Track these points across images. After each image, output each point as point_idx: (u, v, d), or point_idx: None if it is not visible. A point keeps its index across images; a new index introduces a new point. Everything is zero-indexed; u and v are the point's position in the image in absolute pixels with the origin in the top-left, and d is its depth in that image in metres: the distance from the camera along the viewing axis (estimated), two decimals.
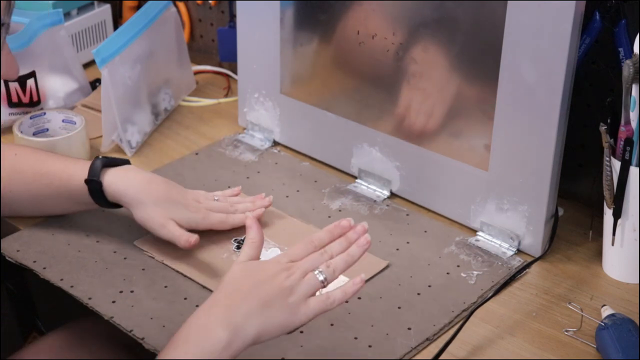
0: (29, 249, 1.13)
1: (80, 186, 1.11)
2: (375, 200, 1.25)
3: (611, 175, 1.06)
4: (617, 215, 1.07)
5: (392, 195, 1.26)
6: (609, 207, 1.08)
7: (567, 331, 1.02)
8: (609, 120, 1.05)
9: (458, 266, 1.12)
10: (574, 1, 1.00)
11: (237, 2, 1.36)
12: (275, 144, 1.39)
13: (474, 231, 1.19)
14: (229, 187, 1.27)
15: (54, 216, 1.19)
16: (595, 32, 1.10)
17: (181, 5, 1.61)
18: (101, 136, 1.36)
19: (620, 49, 1.08)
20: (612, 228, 1.08)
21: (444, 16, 1.14)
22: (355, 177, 1.30)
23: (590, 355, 0.99)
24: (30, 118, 1.35)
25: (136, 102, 1.39)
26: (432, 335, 1.01)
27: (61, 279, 1.08)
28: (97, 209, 1.14)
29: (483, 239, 1.17)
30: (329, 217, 1.22)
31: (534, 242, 1.13)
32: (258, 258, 0.95)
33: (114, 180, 1.10)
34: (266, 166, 1.34)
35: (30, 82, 1.40)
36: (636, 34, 1.02)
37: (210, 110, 1.51)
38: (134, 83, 1.37)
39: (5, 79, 1.09)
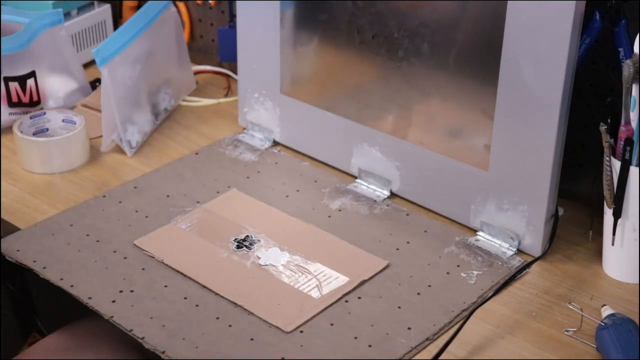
0: (29, 249, 1.13)
1: None
2: (375, 200, 1.25)
3: (611, 175, 1.06)
4: (617, 215, 1.07)
5: (392, 195, 1.26)
6: (609, 207, 1.08)
7: (567, 331, 1.02)
8: (609, 120, 1.05)
9: (458, 266, 1.12)
10: (574, 1, 1.00)
11: (237, 2, 1.35)
12: (275, 143, 1.39)
13: (474, 231, 1.19)
14: (229, 187, 1.27)
15: (53, 216, 1.19)
16: (595, 32, 1.10)
17: (181, 5, 1.61)
18: (101, 136, 1.36)
19: (620, 49, 1.09)
20: (612, 228, 1.08)
21: (444, 16, 1.14)
22: (355, 177, 1.30)
23: (590, 355, 0.99)
24: (30, 118, 1.35)
25: (136, 102, 1.39)
26: (432, 335, 1.01)
27: (61, 279, 1.08)
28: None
29: (483, 238, 1.17)
30: (329, 217, 1.22)
31: (534, 242, 1.13)
32: None
33: None
34: (266, 166, 1.34)
35: (30, 82, 1.40)
36: (636, 34, 1.02)
37: (210, 110, 1.51)
38: (134, 83, 1.37)
39: None
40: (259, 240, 1.15)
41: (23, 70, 1.39)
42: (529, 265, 1.12)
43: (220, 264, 1.11)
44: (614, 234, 1.08)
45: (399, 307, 1.05)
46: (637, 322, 0.99)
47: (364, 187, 1.28)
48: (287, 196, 1.26)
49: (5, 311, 1.41)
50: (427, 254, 1.14)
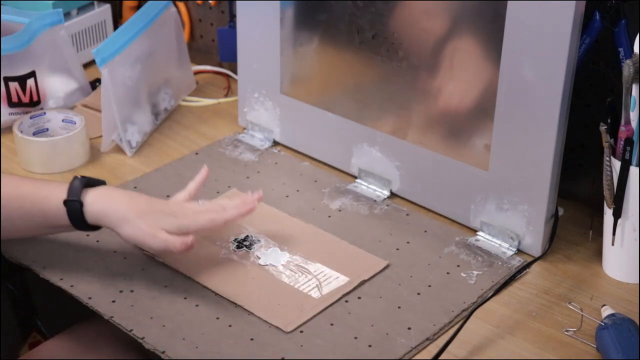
0: (29, 248, 1.13)
1: (56, 207, 1.04)
2: (375, 200, 1.25)
3: (611, 175, 1.06)
4: (617, 215, 1.07)
5: (392, 195, 1.26)
6: (609, 207, 1.08)
7: (567, 331, 1.02)
8: (609, 120, 1.05)
9: (458, 266, 1.12)
10: (574, 1, 1.00)
11: (237, 2, 1.36)
12: (275, 143, 1.39)
13: (474, 231, 1.19)
14: (229, 187, 1.27)
15: None
16: (595, 32, 1.10)
17: (181, 5, 1.61)
18: (101, 136, 1.36)
19: (620, 49, 1.08)
20: (612, 228, 1.08)
21: (444, 16, 1.14)
22: (355, 177, 1.30)
23: (590, 355, 0.99)
24: (30, 118, 1.35)
25: (136, 102, 1.39)
26: (432, 335, 1.01)
27: (61, 279, 1.08)
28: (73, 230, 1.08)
29: (483, 238, 1.17)
30: (329, 216, 1.22)
31: (534, 242, 1.13)
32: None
33: (95, 200, 1.04)
34: (266, 166, 1.34)
35: (30, 82, 1.40)
36: (636, 34, 1.02)
37: (210, 110, 1.51)
38: (134, 83, 1.37)
39: None
40: (259, 240, 1.15)
41: (23, 70, 1.39)
42: (529, 265, 1.12)
43: (220, 264, 1.11)
44: (614, 234, 1.08)
45: (399, 307, 1.05)
46: (637, 322, 0.99)
47: (364, 187, 1.28)
48: (287, 196, 1.26)
49: (5, 311, 1.41)
50: (427, 254, 1.14)
